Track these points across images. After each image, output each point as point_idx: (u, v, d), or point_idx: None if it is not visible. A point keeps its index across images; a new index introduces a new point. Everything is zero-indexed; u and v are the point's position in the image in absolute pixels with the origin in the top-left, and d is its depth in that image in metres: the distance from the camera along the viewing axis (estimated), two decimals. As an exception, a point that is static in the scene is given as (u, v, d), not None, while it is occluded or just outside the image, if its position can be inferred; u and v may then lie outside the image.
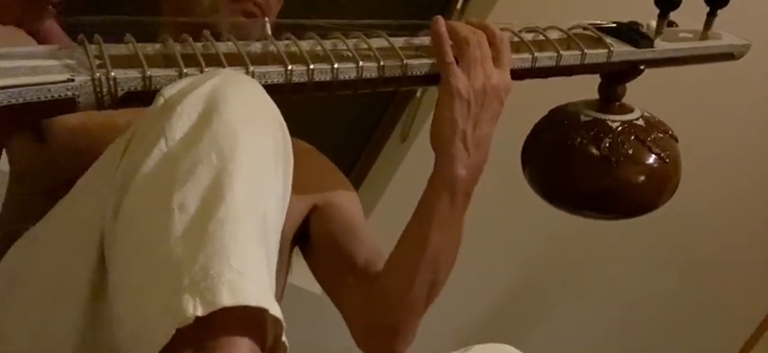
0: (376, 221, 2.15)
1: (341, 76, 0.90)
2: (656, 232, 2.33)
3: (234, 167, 0.68)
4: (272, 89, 0.78)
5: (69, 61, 0.77)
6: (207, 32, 0.87)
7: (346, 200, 1.22)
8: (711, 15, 1.14)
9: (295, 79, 0.87)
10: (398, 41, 0.97)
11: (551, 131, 1.16)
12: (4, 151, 0.99)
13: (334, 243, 1.15)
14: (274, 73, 0.86)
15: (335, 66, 0.89)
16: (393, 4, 2.17)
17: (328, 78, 0.89)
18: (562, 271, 2.60)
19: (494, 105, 0.99)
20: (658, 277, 2.64)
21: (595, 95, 1.15)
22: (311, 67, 0.87)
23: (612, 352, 2.78)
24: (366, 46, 0.94)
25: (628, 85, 1.14)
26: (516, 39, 1.04)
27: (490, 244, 2.20)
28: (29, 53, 0.78)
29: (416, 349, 1.18)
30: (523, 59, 1.02)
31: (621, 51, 1.09)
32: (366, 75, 0.91)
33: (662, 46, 1.12)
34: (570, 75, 1.07)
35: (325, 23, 0.96)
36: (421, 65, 0.96)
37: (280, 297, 1.11)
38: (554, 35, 1.07)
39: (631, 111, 1.14)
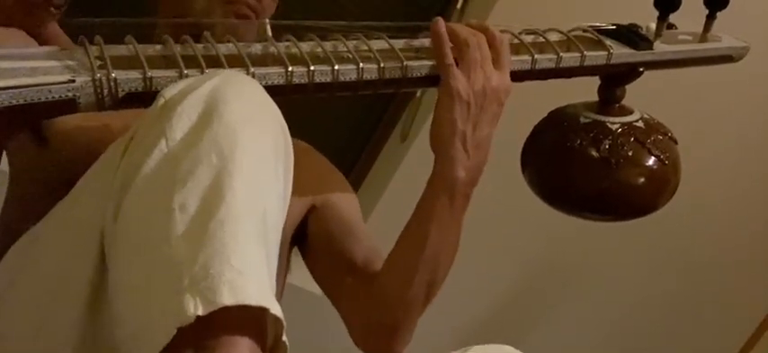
0: (376, 222, 2.15)
1: (341, 78, 0.90)
2: (655, 233, 2.33)
3: (234, 168, 0.68)
4: (272, 90, 0.78)
5: (70, 62, 0.77)
6: (207, 33, 0.87)
7: (344, 200, 1.23)
8: (710, 18, 1.14)
9: (295, 80, 0.87)
10: (398, 43, 0.97)
11: (551, 133, 1.16)
12: (4, 152, 0.99)
13: (332, 243, 1.16)
14: (275, 74, 0.86)
15: (336, 67, 0.89)
16: (393, 4, 2.17)
17: (328, 80, 0.89)
18: (562, 272, 2.61)
19: (493, 107, 0.99)
20: (658, 278, 2.64)
21: (595, 97, 1.16)
22: (311, 68, 0.87)
23: (612, 353, 2.78)
24: (366, 47, 0.94)
25: (627, 87, 1.14)
26: (516, 41, 1.04)
27: (490, 245, 2.20)
28: (29, 54, 0.78)
29: (416, 349, 1.19)
30: (523, 61, 1.03)
31: (621, 53, 1.09)
32: (366, 76, 0.92)
33: (661, 48, 1.12)
34: (570, 77, 1.07)
35: (326, 25, 0.96)
36: (421, 66, 0.96)
37: (279, 297, 1.12)
38: (554, 37, 1.07)
39: (631, 113, 1.14)
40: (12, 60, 0.74)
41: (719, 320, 2.77)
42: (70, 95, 0.75)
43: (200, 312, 0.60)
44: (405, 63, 0.94)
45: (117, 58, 0.79)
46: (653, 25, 1.11)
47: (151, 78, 0.79)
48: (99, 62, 0.78)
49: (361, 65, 0.91)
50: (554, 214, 1.17)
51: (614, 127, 1.11)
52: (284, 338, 0.66)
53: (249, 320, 0.64)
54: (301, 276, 1.23)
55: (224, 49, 0.86)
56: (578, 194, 1.13)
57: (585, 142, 1.10)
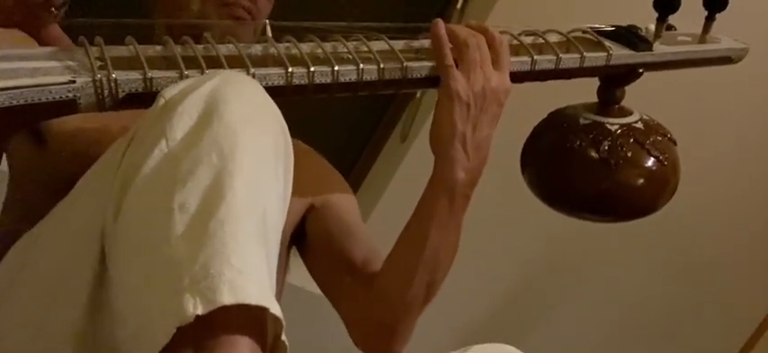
0: (376, 222, 2.15)
1: (341, 79, 0.90)
2: (655, 234, 2.33)
3: (234, 167, 0.68)
4: (272, 91, 0.79)
5: (70, 63, 0.77)
6: (207, 34, 0.87)
7: (343, 200, 1.23)
8: (710, 19, 1.14)
9: (295, 81, 0.87)
10: (398, 44, 0.97)
11: (550, 134, 1.16)
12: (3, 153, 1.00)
13: (331, 243, 1.16)
14: (275, 75, 0.86)
15: (336, 68, 0.89)
16: (393, 5, 2.17)
17: (328, 81, 0.89)
18: (562, 272, 2.61)
19: (493, 108, 0.99)
20: (658, 278, 2.64)
21: (594, 99, 1.16)
22: (312, 69, 0.88)
23: (612, 353, 2.78)
24: (366, 48, 0.94)
25: (626, 88, 1.15)
26: (515, 42, 1.05)
27: (490, 245, 2.20)
28: (30, 55, 0.78)
29: (416, 349, 1.19)
30: (523, 62, 1.03)
31: (620, 55, 1.09)
32: (366, 77, 0.92)
33: (660, 49, 1.12)
34: (569, 78, 1.08)
35: (326, 26, 0.96)
36: (421, 67, 0.96)
37: (278, 297, 1.12)
38: (553, 38, 1.07)
39: (630, 114, 1.14)
40: (12, 61, 0.74)
41: (719, 320, 2.76)
42: (71, 95, 0.75)
43: (200, 312, 0.60)
44: (404, 64, 0.94)
45: (117, 59, 0.79)
46: (652, 27, 1.11)
47: (151, 79, 0.79)
48: (99, 63, 0.78)
49: (361, 66, 0.91)
50: (554, 215, 1.17)
51: (614, 128, 1.11)
52: (284, 337, 0.66)
53: (249, 319, 0.64)
54: (301, 275, 1.23)
55: (224, 49, 0.86)
56: (578, 196, 1.14)
57: (585, 143, 1.10)
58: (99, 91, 0.77)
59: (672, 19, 1.11)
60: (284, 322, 0.65)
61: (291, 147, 0.78)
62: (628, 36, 1.11)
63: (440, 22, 0.98)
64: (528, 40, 1.06)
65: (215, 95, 0.72)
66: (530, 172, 1.18)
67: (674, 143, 1.14)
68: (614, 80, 1.13)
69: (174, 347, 0.61)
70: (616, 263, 2.57)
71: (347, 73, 0.90)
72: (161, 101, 0.73)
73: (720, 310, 2.75)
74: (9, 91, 0.71)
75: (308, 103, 0.91)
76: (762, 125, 2.39)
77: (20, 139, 1.01)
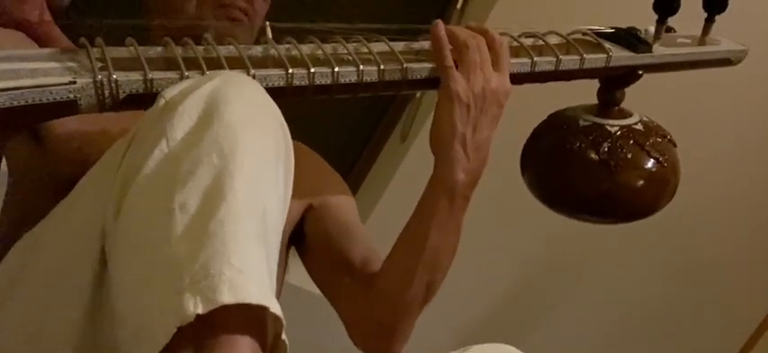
0: (376, 222, 2.16)
1: (341, 80, 0.90)
2: (655, 234, 2.33)
3: (235, 167, 0.68)
4: (272, 92, 0.79)
5: (71, 64, 0.78)
6: (208, 36, 0.88)
7: (342, 201, 1.23)
8: (709, 21, 1.14)
9: (296, 83, 0.87)
10: (398, 46, 0.97)
11: (550, 136, 1.16)
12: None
13: (329, 243, 1.16)
14: (275, 76, 0.86)
15: (336, 69, 0.89)
16: (393, 6, 2.17)
17: (329, 82, 0.90)
18: (562, 272, 2.61)
19: (493, 109, 0.99)
20: (658, 278, 2.64)
21: (594, 100, 1.16)
22: (312, 70, 0.88)
23: (612, 353, 2.78)
24: (366, 50, 0.94)
25: (626, 89, 1.15)
26: (515, 43, 1.05)
27: (490, 245, 2.21)
28: (30, 55, 0.78)
29: (416, 349, 1.19)
30: (522, 64, 1.03)
31: (620, 56, 1.09)
32: (366, 78, 0.92)
33: (660, 51, 1.12)
34: (569, 79, 1.08)
35: (326, 27, 0.97)
36: (421, 69, 0.96)
37: (277, 297, 1.12)
38: (553, 40, 1.07)
39: (630, 115, 1.14)
40: (13, 62, 0.75)
41: (719, 320, 2.76)
42: (71, 96, 0.75)
43: (201, 311, 0.60)
44: (404, 65, 0.94)
45: (118, 60, 0.80)
46: (652, 28, 1.12)
47: (152, 80, 0.79)
48: (100, 64, 0.78)
49: (361, 67, 0.91)
50: (554, 215, 1.17)
51: (613, 130, 1.11)
52: (284, 336, 0.67)
53: (249, 318, 0.64)
54: (300, 275, 1.23)
55: (225, 51, 0.86)
56: (577, 197, 1.14)
57: (585, 145, 1.10)
58: (100, 92, 0.77)
59: (671, 21, 1.11)
60: (284, 322, 0.65)
61: (292, 147, 0.78)
62: (627, 38, 1.11)
63: (440, 24, 0.99)
64: (528, 41, 1.06)
65: (215, 95, 0.72)
66: (529, 173, 1.18)
67: (674, 145, 1.14)
68: (614, 82, 1.13)
69: (175, 346, 0.61)
70: (616, 263, 2.57)
71: (347, 74, 0.91)
72: (161, 101, 0.74)
73: (720, 310, 2.75)
74: (10, 91, 0.71)
75: (309, 103, 0.91)
76: (761, 126, 2.39)
77: (20, 139, 1.01)
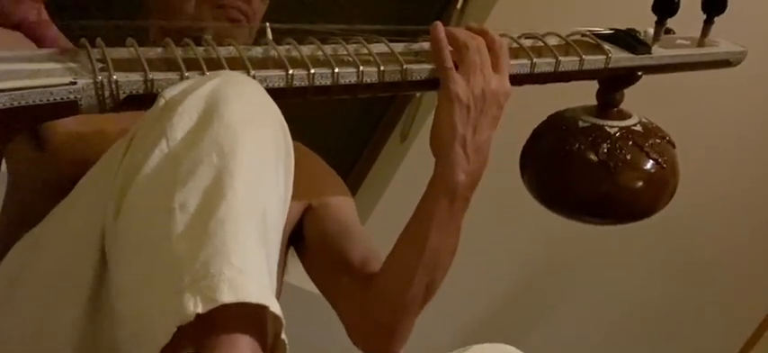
0: (376, 222, 2.16)
1: (341, 81, 0.90)
2: (655, 234, 2.33)
3: (235, 167, 0.68)
4: (273, 93, 0.79)
5: (71, 64, 0.78)
6: (208, 36, 0.88)
7: (341, 201, 1.23)
8: (708, 23, 1.14)
9: (296, 83, 0.87)
10: (398, 47, 0.98)
11: (550, 137, 1.16)
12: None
13: (328, 243, 1.16)
14: (275, 77, 0.86)
15: (336, 70, 0.89)
16: (393, 6, 2.17)
17: (329, 83, 0.90)
18: (562, 272, 2.61)
19: (493, 110, 0.99)
20: (658, 278, 2.64)
21: (594, 102, 1.16)
22: (312, 71, 0.88)
23: (612, 353, 2.78)
24: (366, 51, 0.94)
25: (625, 91, 1.15)
26: (515, 45, 1.05)
27: (490, 246, 2.21)
28: (31, 56, 0.78)
29: (416, 349, 1.19)
30: (522, 65, 1.03)
31: (619, 58, 1.09)
32: (366, 79, 0.92)
33: (659, 52, 1.13)
34: (568, 81, 1.08)
35: (326, 28, 0.97)
36: (420, 70, 0.96)
37: (277, 297, 1.12)
38: (552, 41, 1.07)
39: (629, 117, 1.14)
40: (13, 62, 0.75)
41: (719, 320, 2.76)
42: (71, 97, 0.75)
43: (200, 311, 0.60)
44: (404, 67, 0.94)
45: (118, 61, 0.80)
46: (651, 30, 1.11)
47: (152, 81, 0.79)
48: (100, 64, 0.78)
49: (361, 68, 0.91)
50: (553, 215, 1.18)
51: (613, 131, 1.11)
52: (284, 336, 0.67)
53: (249, 318, 0.64)
54: (300, 275, 1.23)
55: (225, 51, 0.86)
56: (577, 198, 1.14)
57: (584, 146, 1.10)
58: (100, 92, 0.77)
59: (671, 22, 1.11)
60: (284, 321, 0.66)
61: (292, 147, 0.79)
62: (627, 39, 1.12)
63: (439, 25, 0.99)
64: (527, 43, 1.06)
65: (215, 95, 0.72)
66: (529, 175, 1.18)
67: (673, 146, 1.14)
68: (613, 83, 1.14)
69: (175, 346, 0.61)
70: (616, 263, 2.57)
71: (347, 75, 0.91)
72: (161, 101, 0.74)
73: (720, 310, 2.75)
74: (10, 92, 0.71)
75: (308, 104, 0.92)
76: (760, 127, 2.39)
77: (20, 140, 1.01)
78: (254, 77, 0.84)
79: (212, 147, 0.69)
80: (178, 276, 0.63)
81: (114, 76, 0.77)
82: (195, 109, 0.72)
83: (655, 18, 1.10)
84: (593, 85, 1.15)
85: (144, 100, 0.79)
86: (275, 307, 0.64)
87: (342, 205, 1.22)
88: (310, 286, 1.21)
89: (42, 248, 0.82)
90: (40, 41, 0.92)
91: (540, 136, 1.18)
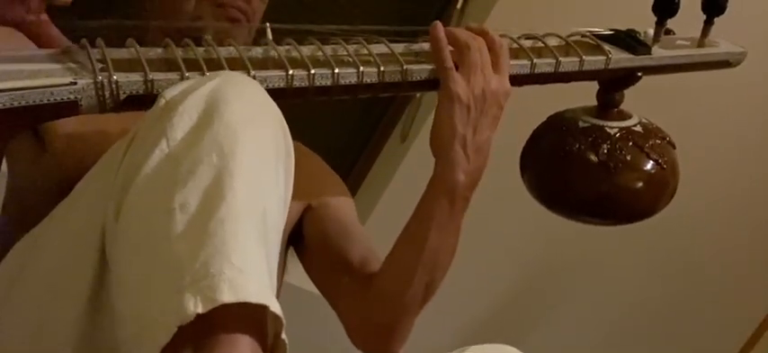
0: (376, 222, 2.16)
1: (341, 81, 0.90)
2: (655, 234, 2.33)
3: (235, 167, 0.68)
4: (273, 93, 0.79)
5: (71, 64, 0.78)
6: (208, 37, 0.88)
7: (340, 201, 1.23)
8: (708, 23, 1.14)
9: (296, 84, 0.87)
10: (398, 47, 0.98)
11: (550, 137, 1.16)
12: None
13: (328, 243, 1.16)
14: (275, 77, 0.86)
15: (336, 71, 0.90)
16: (392, 5, 2.17)
17: (329, 83, 0.90)
18: (562, 272, 2.61)
19: (493, 110, 0.99)
20: (658, 278, 2.64)
21: (594, 102, 1.16)
22: (312, 71, 0.88)
23: (612, 353, 2.78)
24: (366, 51, 0.94)
25: (625, 91, 1.15)
26: (515, 45, 1.05)
27: (490, 246, 2.21)
28: (31, 56, 0.78)
29: (417, 349, 1.19)
30: (522, 65, 1.03)
31: (619, 58, 1.09)
32: (366, 80, 0.92)
33: (659, 53, 1.13)
34: (568, 81, 1.08)
35: (326, 29, 0.97)
36: (421, 70, 0.96)
37: (276, 297, 1.12)
38: (552, 42, 1.07)
39: (629, 117, 1.14)
40: (13, 63, 0.75)
41: (719, 320, 2.76)
42: (72, 97, 0.76)
43: (201, 310, 0.60)
44: (404, 67, 0.95)
45: (118, 61, 0.80)
46: (651, 31, 1.12)
47: (152, 81, 0.79)
48: (101, 65, 0.78)
49: (361, 69, 0.91)
50: (553, 215, 1.18)
51: (613, 131, 1.11)
52: (284, 336, 0.67)
53: (249, 317, 0.64)
54: (300, 275, 1.23)
55: (225, 52, 0.86)
56: (577, 199, 1.14)
57: (584, 147, 1.10)
58: (100, 93, 0.77)
59: (671, 23, 1.11)
60: (284, 321, 0.66)
61: (292, 147, 0.79)
62: (627, 40, 1.12)
63: (438, 25, 0.99)
64: (527, 43, 1.06)
65: (215, 95, 0.72)
66: (529, 175, 1.18)
67: (673, 146, 1.14)
68: (613, 84, 1.14)
69: (175, 346, 0.61)
70: (616, 263, 2.57)
71: (347, 75, 0.91)
72: (162, 101, 0.74)
73: (720, 310, 2.75)
74: (10, 92, 0.72)
75: (308, 104, 0.92)
76: (760, 127, 2.39)
77: (20, 140, 1.01)
78: (254, 78, 0.84)
79: (212, 147, 0.69)
80: (178, 276, 0.63)
81: (114, 77, 0.77)
82: (195, 109, 0.72)
83: (655, 19, 1.10)
84: (593, 86, 1.15)
85: (144, 100, 0.79)
86: (275, 307, 0.64)
87: (341, 205, 1.22)
88: (310, 286, 1.21)
89: (42, 248, 0.82)
90: (39, 41, 0.92)
91: (540, 136, 1.18)
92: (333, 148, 1.50)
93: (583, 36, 1.11)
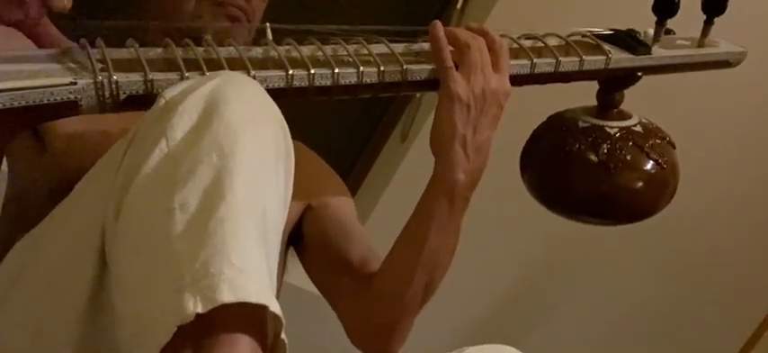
0: (376, 222, 2.16)
1: (341, 81, 0.90)
2: (655, 234, 2.33)
3: (235, 167, 0.68)
4: (273, 94, 0.79)
5: (71, 64, 0.78)
6: (208, 37, 0.88)
7: (340, 201, 1.23)
8: (708, 23, 1.14)
9: (296, 84, 0.87)
10: (398, 47, 0.98)
11: (550, 137, 1.16)
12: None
13: (328, 242, 1.16)
14: (275, 77, 0.86)
15: (336, 71, 0.89)
16: (393, 5, 2.17)
17: (329, 83, 0.90)
18: (562, 272, 2.61)
19: (493, 110, 0.99)
20: (658, 278, 2.64)
21: (594, 102, 1.16)
22: (312, 71, 0.88)
23: (612, 353, 2.79)
24: (366, 51, 0.94)
25: (625, 91, 1.15)
26: (515, 45, 1.05)
27: (490, 246, 2.21)
28: (31, 56, 0.78)
29: (417, 349, 1.19)
30: (522, 65, 1.03)
31: (619, 58, 1.09)
32: (366, 80, 0.92)
33: (659, 53, 1.13)
34: (568, 81, 1.08)
35: (326, 29, 0.97)
36: (421, 70, 0.97)
37: (276, 297, 1.12)
38: (552, 42, 1.07)
39: (629, 117, 1.14)
40: (13, 63, 0.75)
41: (719, 320, 2.77)
42: (72, 97, 0.76)
43: (200, 310, 0.60)
44: (404, 67, 0.95)
45: (118, 61, 0.80)
46: (651, 31, 1.12)
47: (152, 81, 0.79)
48: (101, 65, 0.78)
49: (361, 69, 0.91)
50: (553, 215, 1.18)
51: (613, 131, 1.11)
52: (283, 336, 0.67)
53: (249, 317, 0.64)
54: (299, 275, 1.23)
55: (225, 52, 0.86)
56: (577, 199, 1.14)
57: (584, 146, 1.10)
58: (100, 93, 0.77)
59: (671, 23, 1.11)
60: (284, 321, 0.66)
61: (292, 147, 0.79)
62: (627, 40, 1.12)
63: (438, 25, 0.99)
64: (527, 43, 1.06)
65: (215, 94, 0.72)
66: (529, 175, 1.18)
67: (673, 146, 1.14)
68: (613, 84, 1.14)
69: (175, 345, 0.61)
70: (616, 263, 2.57)
71: (347, 75, 0.91)
72: (161, 101, 0.74)
73: (720, 310, 2.75)
74: (10, 92, 0.72)
75: (309, 104, 0.92)
76: (760, 127, 2.39)
77: (20, 140, 1.01)
78: (254, 78, 0.84)
79: (212, 147, 0.69)
80: (178, 276, 0.63)
81: (114, 77, 0.77)
82: (195, 109, 0.72)
83: (655, 19, 1.10)
84: (593, 86, 1.15)
85: (144, 100, 0.79)
86: (275, 307, 0.64)
87: (341, 205, 1.22)
88: (310, 286, 1.21)
89: (42, 248, 0.82)
90: (39, 41, 0.92)
91: (540, 136, 1.18)
92: (333, 148, 1.50)
93: (583, 36, 1.11)
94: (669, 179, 1.13)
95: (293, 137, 0.80)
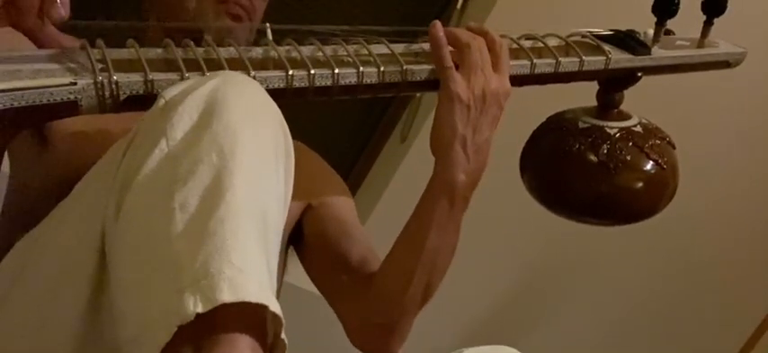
0: (376, 222, 2.16)
1: (341, 82, 0.90)
2: (655, 234, 2.33)
3: (234, 166, 0.68)
4: (273, 94, 0.79)
5: (72, 65, 0.78)
6: (208, 37, 0.88)
7: (340, 200, 1.23)
8: (708, 24, 1.14)
9: (296, 84, 0.87)
10: (398, 47, 0.98)
11: (550, 138, 1.16)
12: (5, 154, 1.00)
13: (328, 242, 1.16)
14: (275, 78, 0.86)
15: (336, 71, 0.89)
16: (393, 5, 2.17)
17: (329, 83, 0.90)
18: (562, 272, 2.61)
19: (493, 111, 0.99)
20: (658, 278, 2.65)
21: (594, 102, 1.16)
22: (312, 72, 0.88)
23: (612, 353, 2.79)
24: (366, 52, 0.94)
25: (625, 91, 1.15)
26: (515, 46, 1.05)
27: (490, 246, 2.21)
28: (31, 56, 0.78)
29: (418, 349, 1.19)
30: (522, 66, 1.03)
31: (619, 59, 1.09)
32: (366, 80, 0.92)
33: (659, 53, 1.12)
34: (568, 81, 1.08)
35: (326, 29, 0.97)
36: (421, 70, 0.97)
37: (276, 297, 1.12)
38: (552, 42, 1.07)
39: (629, 117, 1.14)
40: (13, 63, 0.75)
41: (719, 320, 2.77)
42: (72, 97, 0.76)
43: (200, 310, 0.60)
44: (404, 67, 0.94)
45: (118, 61, 0.80)
46: (651, 31, 1.12)
47: (152, 81, 0.79)
48: (101, 65, 0.78)
49: (361, 69, 0.91)
50: (553, 216, 1.18)
51: (613, 132, 1.11)
52: (283, 335, 0.67)
53: (249, 317, 0.64)
54: (299, 275, 1.23)
55: (225, 52, 0.86)
56: (577, 199, 1.14)
57: (584, 147, 1.10)
58: (100, 93, 0.77)
59: (671, 23, 1.11)
60: (284, 321, 0.66)
61: (292, 147, 0.79)
62: (626, 40, 1.12)
63: (438, 25, 0.98)
64: (527, 43, 1.06)
65: (215, 94, 0.72)
66: (529, 175, 1.18)
67: (673, 147, 1.14)
68: (613, 84, 1.14)
69: (175, 345, 0.61)
70: (616, 263, 2.57)
71: (347, 76, 0.91)
72: (161, 101, 0.74)
73: (720, 310, 2.75)
74: (11, 92, 0.71)
75: (309, 104, 0.92)
76: (760, 127, 2.39)
77: (21, 140, 1.01)
78: (254, 78, 0.84)
79: (212, 146, 0.69)
80: (178, 276, 0.63)
81: (114, 77, 0.77)
82: (195, 109, 0.72)
83: (655, 19, 1.10)
84: (593, 86, 1.15)
85: (144, 100, 0.79)
86: (275, 307, 0.64)
87: (341, 205, 1.22)
88: (310, 286, 1.21)
89: (43, 248, 0.82)
90: (39, 41, 0.92)
91: (539, 137, 1.18)
92: (333, 148, 1.50)
93: (583, 36, 1.11)
94: (669, 180, 1.13)
95: (293, 137, 0.79)
